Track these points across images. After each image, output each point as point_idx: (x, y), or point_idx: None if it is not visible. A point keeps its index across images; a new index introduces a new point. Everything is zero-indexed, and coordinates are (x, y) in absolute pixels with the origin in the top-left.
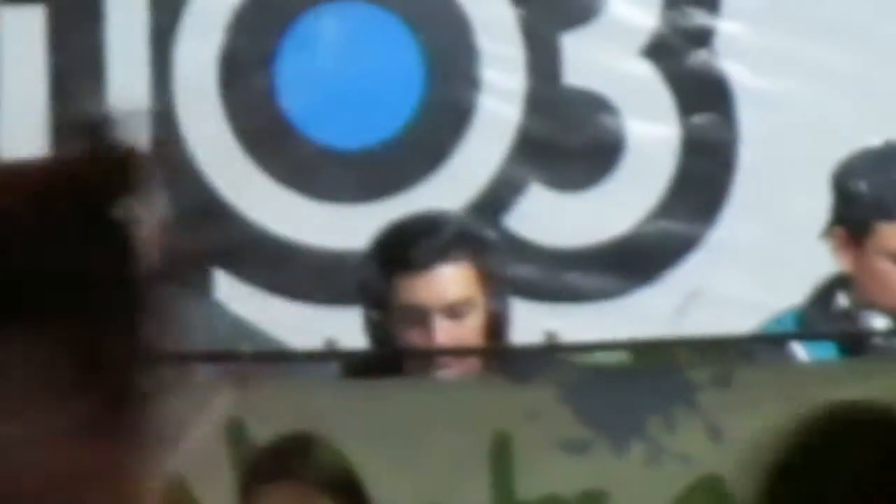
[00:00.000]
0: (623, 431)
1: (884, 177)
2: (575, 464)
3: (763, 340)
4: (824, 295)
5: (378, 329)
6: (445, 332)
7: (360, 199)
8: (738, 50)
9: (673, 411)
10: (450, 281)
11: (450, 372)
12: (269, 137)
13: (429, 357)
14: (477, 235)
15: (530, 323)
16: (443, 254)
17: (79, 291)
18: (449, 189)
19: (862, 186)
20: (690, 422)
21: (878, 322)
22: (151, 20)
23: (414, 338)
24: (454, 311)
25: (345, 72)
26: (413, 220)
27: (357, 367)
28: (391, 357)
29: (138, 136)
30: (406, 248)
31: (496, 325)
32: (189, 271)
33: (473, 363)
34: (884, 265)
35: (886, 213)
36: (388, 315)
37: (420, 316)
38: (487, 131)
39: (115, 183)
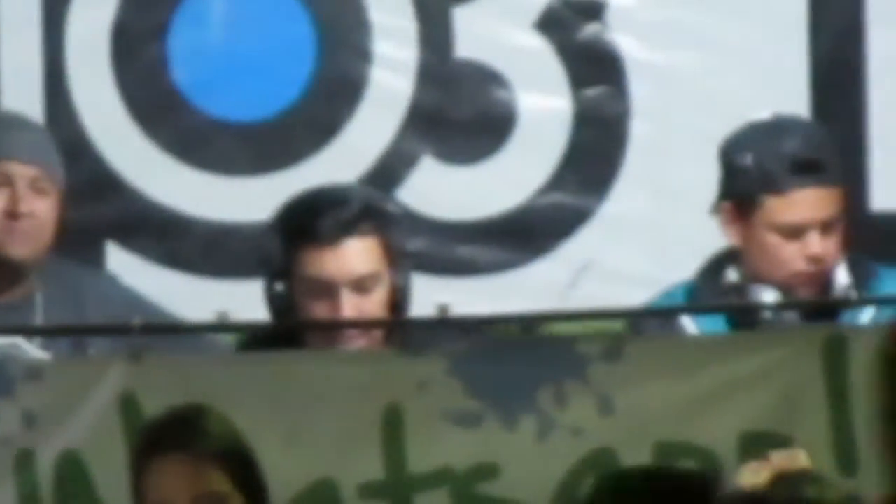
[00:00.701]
0: (513, 405)
1: (770, 150)
2: (466, 437)
3: (654, 314)
4: (714, 269)
5: (279, 301)
6: (352, 306)
7: (252, 172)
8: (629, 23)
9: (564, 385)
10: (357, 255)
11: (353, 345)
12: (160, 109)
13: (324, 330)
14: (382, 209)
15: (422, 296)
16: (351, 227)
17: None
18: (341, 162)
19: (748, 160)
20: (581, 395)
21: (767, 296)
22: None
23: (319, 311)
24: (361, 286)
25: (237, 44)
26: (319, 193)
27: (257, 340)
28: (290, 330)
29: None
30: (312, 220)
31: (399, 300)
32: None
33: (376, 337)
34: (771, 239)
35: (773, 187)
36: (290, 287)
37: (327, 289)
38: (379, 104)
39: None
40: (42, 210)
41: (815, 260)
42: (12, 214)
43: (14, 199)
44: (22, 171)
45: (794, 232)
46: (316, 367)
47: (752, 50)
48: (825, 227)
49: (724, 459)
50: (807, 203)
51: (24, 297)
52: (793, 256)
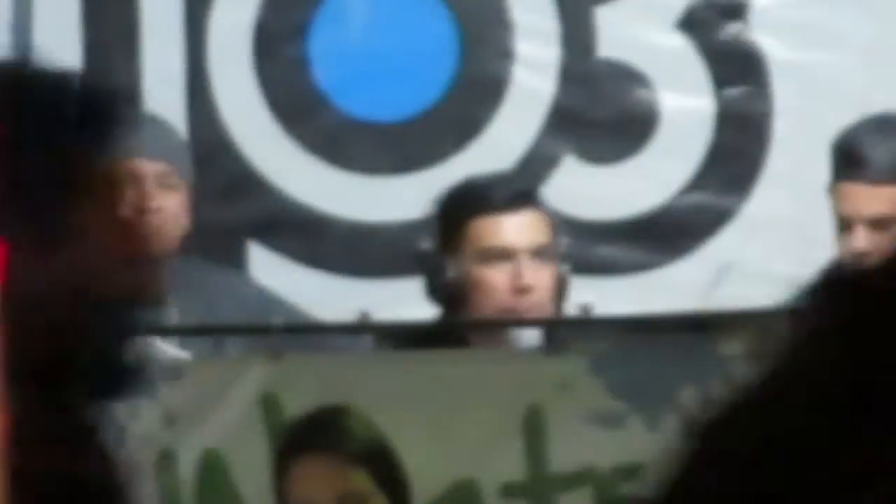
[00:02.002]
0: (655, 404)
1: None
2: (608, 436)
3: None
4: None
5: (448, 288)
6: (532, 274)
7: (393, 172)
8: (770, 22)
9: (704, 384)
10: (534, 223)
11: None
12: (302, 109)
13: (471, 329)
14: (538, 198)
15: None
16: (525, 196)
17: None
18: (483, 162)
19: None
20: (723, 394)
21: None
22: None
23: (499, 280)
24: (540, 253)
25: (378, 44)
26: (473, 177)
27: (415, 339)
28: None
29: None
30: (485, 191)
31: (561, 284)
32: (223, 243)
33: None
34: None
35: (840, 175)
36: (457, 270)
37: (505, 257)
38: (521, 104)
39: None
40: (170, 205)
41: (860, 255)
42: (141, 211)
43: (141, 196)
44: (149, 168)
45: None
46: (457, 366)
47: (893, 48)
48: (875, 224)
49: None
50: (850, 197)
51: (156, 295)
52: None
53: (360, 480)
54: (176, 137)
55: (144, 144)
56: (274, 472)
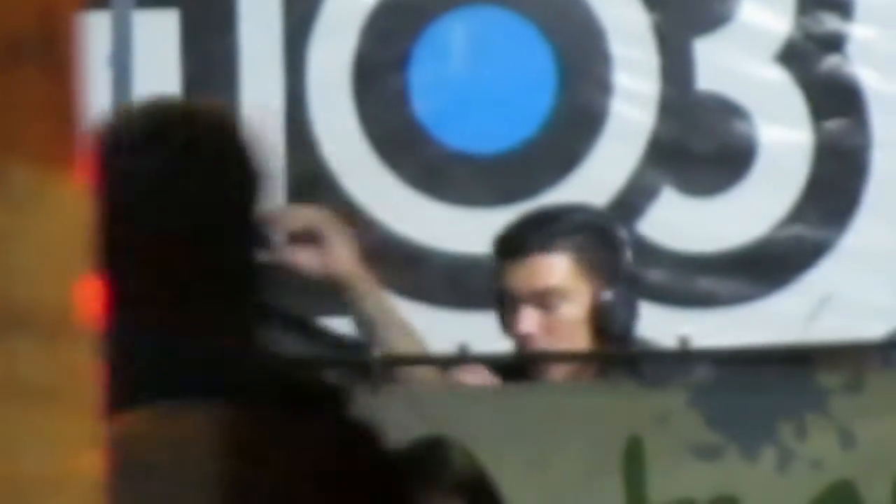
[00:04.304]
0: (754, 437)
1: None
2: (706, 469)
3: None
4: None
5: (499, 320)
6: (532, 320)
7: (491, 204)
8: (870, 55)
9: (804, 417)
10: (543, 269)
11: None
12: (401, 141)
13: (560, 361)
14: (597, 228)
15: (663, 327)
16: (544, 244)
17: None
18: (581, 194)
19: None
20: (822, 427)
21: None
22: (285, 23)
23: (511, 324)
24: (543, 301)
25: (477, 76)
26: (537, 212)
27: (500, 369)
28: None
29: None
30: (509, 236)
31: (605, 322)
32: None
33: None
34: None
35: None
36: (501, 306)
37: (513, 302)
38: (620, 136)
39: None
40: None
41: None
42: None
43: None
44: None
45: None
46: (556, 398)
47: None
48: None
49: None
50: None
51: None
52: None
53: None
54: None
55: None
56: None
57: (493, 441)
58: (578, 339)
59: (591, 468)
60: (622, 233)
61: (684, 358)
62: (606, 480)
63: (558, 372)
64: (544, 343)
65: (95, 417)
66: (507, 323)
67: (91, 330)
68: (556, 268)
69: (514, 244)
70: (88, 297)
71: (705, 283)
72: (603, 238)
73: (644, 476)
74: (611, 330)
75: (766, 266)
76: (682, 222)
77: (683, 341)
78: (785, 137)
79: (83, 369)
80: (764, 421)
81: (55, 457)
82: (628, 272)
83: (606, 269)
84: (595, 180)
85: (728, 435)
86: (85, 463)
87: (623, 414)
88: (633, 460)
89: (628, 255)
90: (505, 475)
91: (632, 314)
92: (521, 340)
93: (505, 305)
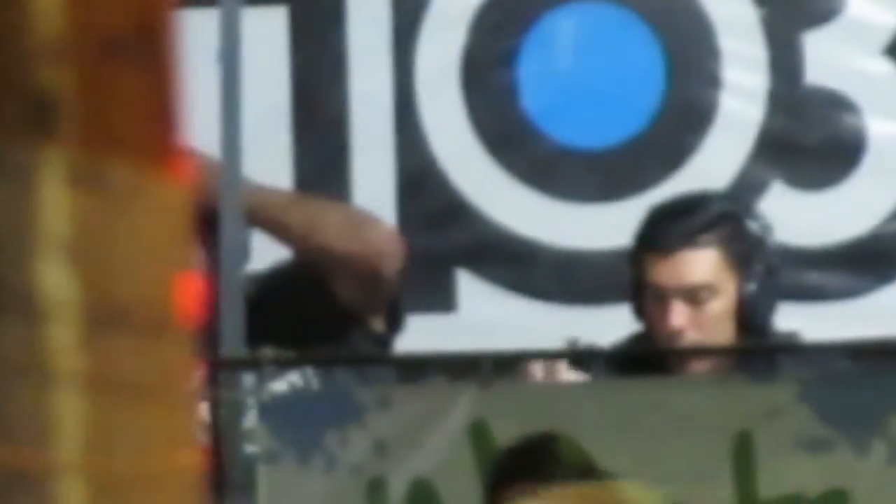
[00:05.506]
0: (864, 431)
1: None
2: (816, 463)
3: None
4: None
5: (635, 313)
6: (682, 316)
7: (601, 199)
8: None
9: None
10: (692, 265)
11: (700, 365)
12: (510, 136)
13: (676, 356)
14: (736, 219)
15: (775, 322)
16: (688, 238)
17: None
18: (691, 188)
19: None
20: None
21: None
22: (393, 20)
23: (657, 318)
24: (693, 296)
25: (586, 71)
26: (673, 202)
27: (623, 364)
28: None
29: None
30: (655, 229)
31: (749, 314)
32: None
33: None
34: None
35: None
36: (642, 297)
37: (661, 297)
38: (729, 131)
39: None
40: None
41: None
42: None
43: None
44: None
45: None
46: (665, 393)
47: None
48: None
49: None
50: None
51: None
52: None
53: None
54: None
55: None
56: (485, 500)
57: (600, 435)
58: (724, 332)
59: (701, 463)
60: (757, 224)
61: (795, 352)
62: (716, 475)
63: (700, 366)
64: (693, 337)
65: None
66: (650, 316)
67: (187, 327)
68: (703, 263)
69: (658, 238)
70: (185, 294)
71: (815, 277)
72: (742, 229)
73: (754, 471)
74: (755, 322)
75: (876, 260)
76: (791, 216)
77: (794, 336)
78: (894, 131)
79: (180, 367)
80: (874, 414)
81: (151, 454)
82: (767, 262)
83: (748, 261)
84: (704, 175)
85: (838, 429)
86: (181, 460)
87: (733, 408)
88: (743, 455)
89: (767, 244)
90: (615, 470)
91: (772, 305)
92: (672, 335)
93: (647, 299)
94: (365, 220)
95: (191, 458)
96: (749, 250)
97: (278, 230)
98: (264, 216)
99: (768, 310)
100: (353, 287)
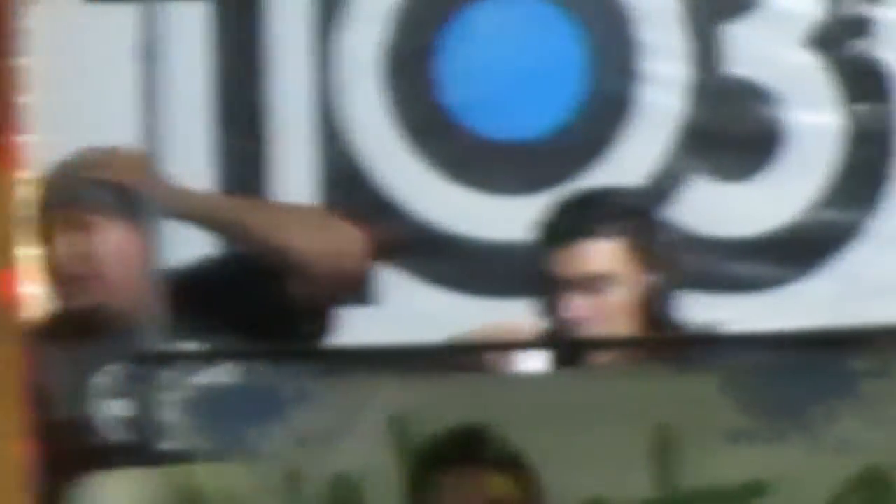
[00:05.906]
0: (785, 422)
1: None
2: (737, 454)
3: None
4: None
5: (541, 306)
6: (580, 306)
7: (523, 191)
8: None
9: (835, 401)
10: (587, 255)
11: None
12: (430, 129)
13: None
14: (643, 213)
15: (694, 313)
16: (585, 229)
17: None
18: (611, 180)
19: None
20: (853, 411)
21: None
22: (314, 13)
23: (557, 310)
24: (591, 286)
25: (506, 64)
26: (575, 195)
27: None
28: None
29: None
30: (553, 221)
31: (651, 304)
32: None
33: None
34: None
35: None
36: (545, 289)
37: (560, 288)
38: (649, 122)
39: None
40: None
41: None
42: None
43: None
44: None
45: None
46: (587, 384)
47: None
48: None
49: None
50: None
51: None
52: None
53: (506, 485)
54: None
55: None
56: (410, 490)
57: (523, 426)
58: (627, 323)
59: (622, 454)
60: (660, 217)
61: (715, 342)
62: (637, 466)
63: (603, 358)
64: (592, 328)
65: (22, 407)
66: (552, 308)
67: (14, 321)
68: (602, 253)
69: (560, 229)
70: (10, 287)
71: (737, 268)
72: (648, 221)
73: (675, 462)
74: (659, 314)
75: (797, 250)
76: (712, 207)
77: (715, 326)
78: (814, 121)
79: (9, 360)
80: (795, 406)
81: None
82: (672, 255)
83: (653, 253)
84: (625, 166)
85: (759, 420)
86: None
87: (654, 399)
88: (664, 446)
89: (672, 237)
90: (535, 462)
91: (677, 298)
92: (568, 325)
93: (550, 290)
94: (330, 222)
95: (21, 449)
96: (656, 243)
97: (236, 232)
98: (219, 218)
99: (674, 303)
100: (313, 286)
